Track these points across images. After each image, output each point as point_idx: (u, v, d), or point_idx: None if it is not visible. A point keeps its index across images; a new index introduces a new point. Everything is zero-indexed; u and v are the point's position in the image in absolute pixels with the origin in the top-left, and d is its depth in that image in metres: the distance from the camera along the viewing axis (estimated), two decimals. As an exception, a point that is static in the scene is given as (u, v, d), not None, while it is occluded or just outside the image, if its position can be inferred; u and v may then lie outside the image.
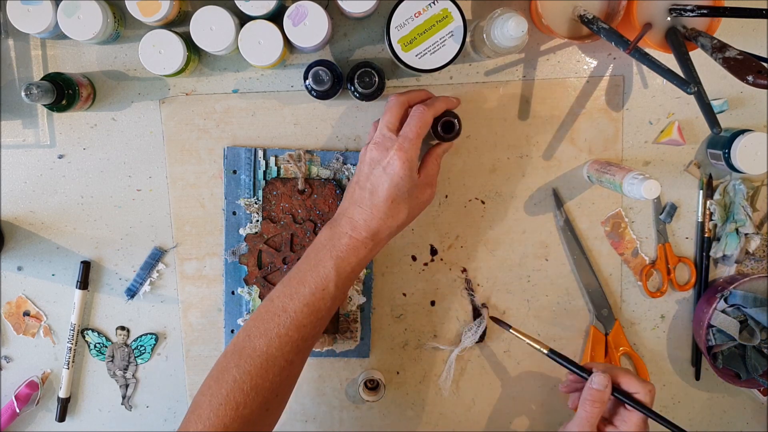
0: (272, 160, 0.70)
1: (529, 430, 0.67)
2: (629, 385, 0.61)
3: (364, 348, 0.74)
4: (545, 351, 0.65)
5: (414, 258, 0.73)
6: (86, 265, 0.72)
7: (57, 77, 0.64)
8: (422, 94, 0.64)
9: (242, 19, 0.64)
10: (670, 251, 0.74)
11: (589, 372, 0.62)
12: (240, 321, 0.73)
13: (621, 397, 0.61)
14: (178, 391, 0.75)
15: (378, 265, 0.73)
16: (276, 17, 0.65)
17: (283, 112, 0.71)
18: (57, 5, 0.62)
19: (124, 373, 0.74)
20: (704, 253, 0.74)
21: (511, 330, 0.67)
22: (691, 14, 0.61)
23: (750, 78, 0.54)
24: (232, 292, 0.73)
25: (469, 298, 0.74)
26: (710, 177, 0.73)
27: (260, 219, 0.71)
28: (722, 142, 0.69)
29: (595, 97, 0.71)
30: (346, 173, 0.71)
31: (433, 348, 0.74)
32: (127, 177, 0.71)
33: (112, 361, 0.74)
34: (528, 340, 0.66)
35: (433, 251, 0.73)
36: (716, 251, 0.73)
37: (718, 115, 0.57)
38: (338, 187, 0.71)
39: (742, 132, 0.68)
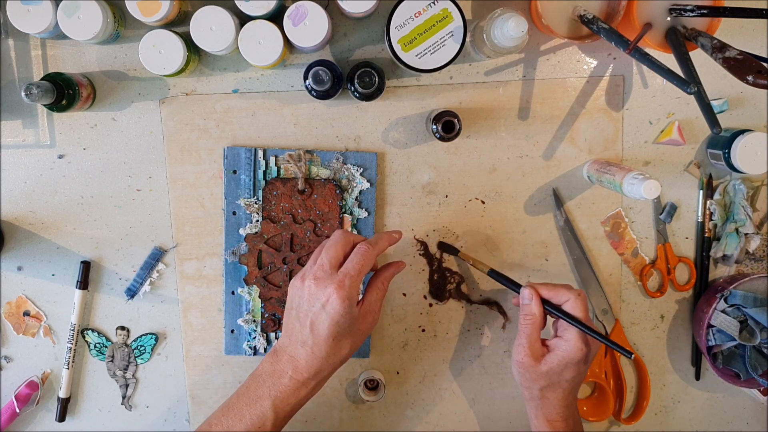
0: (272, 160, 0.70)
1: (528, 430, 0.67)
2: (559, 296, 0.63)
3: (364, 348, 0.74)
4: (486, 271, 0.69)
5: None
6: (86, 265, 0.72)
7: (57, 77, 0.64)
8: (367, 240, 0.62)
9: (242, 19, 0.64)
10: (670, 251, 0.74)
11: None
12: (240, 321, 0.73)
13: (551, 309, 0.63)
14: (178, 391, 0.75)
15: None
16: (276, 17, 0.65)
17: (283, 112, 0.70)
18: (57, 5, 0.62)
19: (124, 373, 0.74)
20: (704, 253, 0.74)
21: (459, 254, 0.71)
22: (691, 14, 0.61)
23: (750, 78, 0.54)
24: (232, 292, 0.73)
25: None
26: (710, 177, 0.73)
27: (260, 219, 0.71)
28: (722, 142, 0.69)
29: (595, 97, 0.71)
30: (346, 173, 0.71)
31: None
32: (127, 177, 0.71)
33: (112, 361, 0.74)
34: (472, 263, 0.70)
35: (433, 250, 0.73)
36: (716, 251, 0.73)
37: (718, 115, 0.57)
38: (338, 187, 0.71)
39: (742, 132, 0.68)
